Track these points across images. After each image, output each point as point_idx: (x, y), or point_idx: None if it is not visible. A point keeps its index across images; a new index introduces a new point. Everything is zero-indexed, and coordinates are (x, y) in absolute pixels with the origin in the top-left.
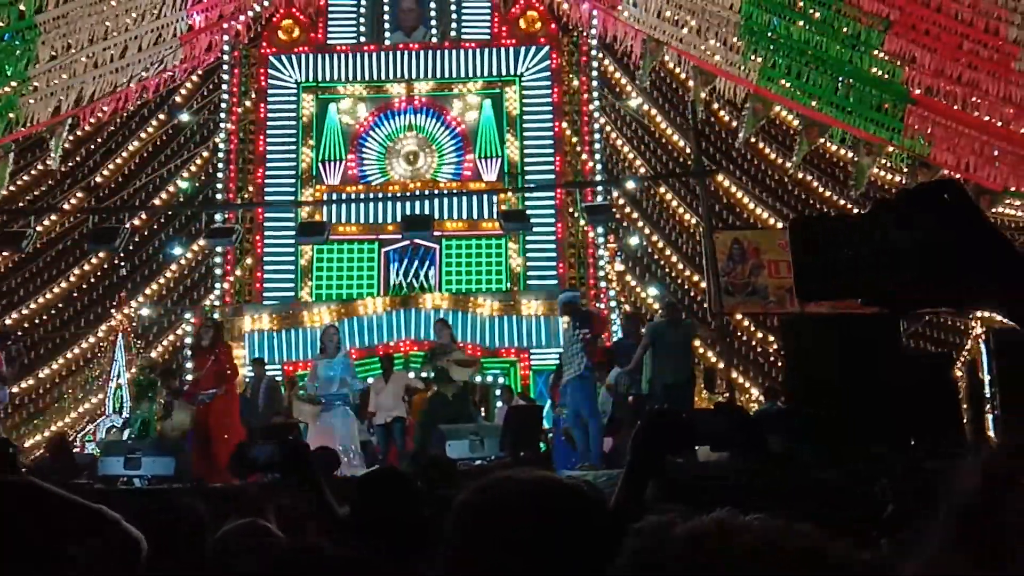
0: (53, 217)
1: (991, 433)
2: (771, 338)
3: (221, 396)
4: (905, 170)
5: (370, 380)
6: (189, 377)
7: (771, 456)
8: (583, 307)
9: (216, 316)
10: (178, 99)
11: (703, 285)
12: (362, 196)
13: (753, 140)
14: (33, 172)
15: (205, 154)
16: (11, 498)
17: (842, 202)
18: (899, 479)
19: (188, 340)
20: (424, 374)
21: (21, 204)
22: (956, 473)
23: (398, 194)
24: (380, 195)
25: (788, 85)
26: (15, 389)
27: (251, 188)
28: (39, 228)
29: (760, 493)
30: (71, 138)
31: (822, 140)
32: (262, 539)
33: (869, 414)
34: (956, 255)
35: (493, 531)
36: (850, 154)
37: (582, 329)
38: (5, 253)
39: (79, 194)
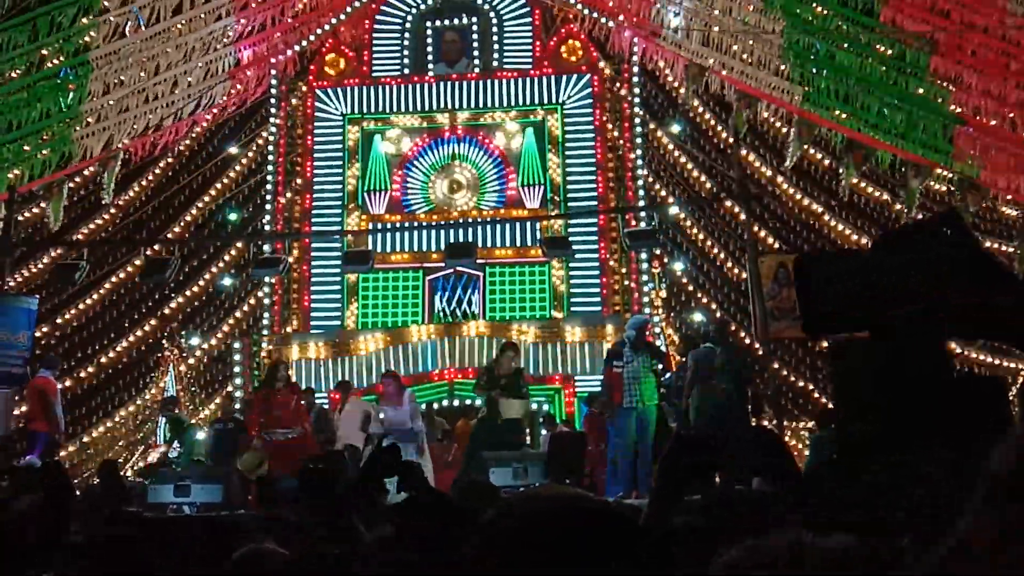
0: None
1: None
2: (812, 373)
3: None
4: (953, 190)
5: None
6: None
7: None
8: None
9: (265, 345)
10: (227, 132)
11: (748, 310)
12: (406, 225)
13: (779, 180)
14: (85, 205)
15: (254, 186)
16: None
17: (860, 239)
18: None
19: (237, 369)
20: (478, 400)
21: (75, 238)
22: (995, 451)
23: (442, 222)
24: (424, 224)
25: (835, 110)
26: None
27: (298, 219)
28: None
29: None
30: (123, 172)
31: (865, 168)
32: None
33: (916, 439)
34: (957, 284)
35: (515, 547)
36: (876, 192)
37: (655, 360)
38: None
39: (130, 227)
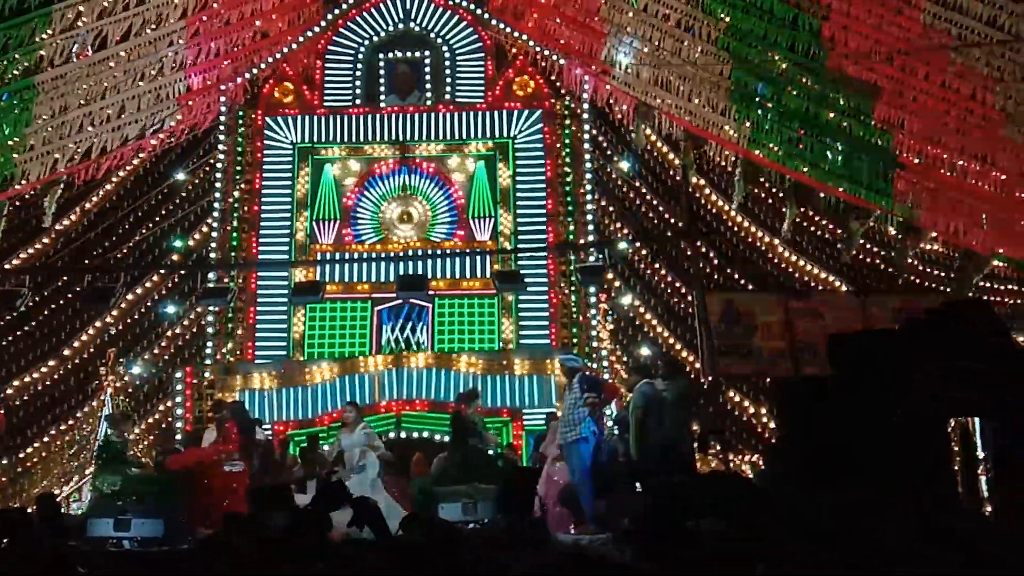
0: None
1: (985, 495)
2: (756, 409)
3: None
4: (893, 232)
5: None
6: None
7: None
8: (589, 371)
9: (208, 375)
10: (174, 159)
11: (695, 345)
12: (356, 256)
13: (733, 214)
14: (26, 230)
15: (200, 213)
16: None
17: (819, 272)
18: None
19: (179, 399)
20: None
21: (14, 263)
22: None
23: (392, 253)
24: (374, 255)
25: (777, 149)
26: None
27: (245, 247)
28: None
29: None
30: (66, 196)
31: (804, 209)
32: None
33: (861, 475)
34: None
35: None
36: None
37: (590, 393)
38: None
39: (72, 252)
